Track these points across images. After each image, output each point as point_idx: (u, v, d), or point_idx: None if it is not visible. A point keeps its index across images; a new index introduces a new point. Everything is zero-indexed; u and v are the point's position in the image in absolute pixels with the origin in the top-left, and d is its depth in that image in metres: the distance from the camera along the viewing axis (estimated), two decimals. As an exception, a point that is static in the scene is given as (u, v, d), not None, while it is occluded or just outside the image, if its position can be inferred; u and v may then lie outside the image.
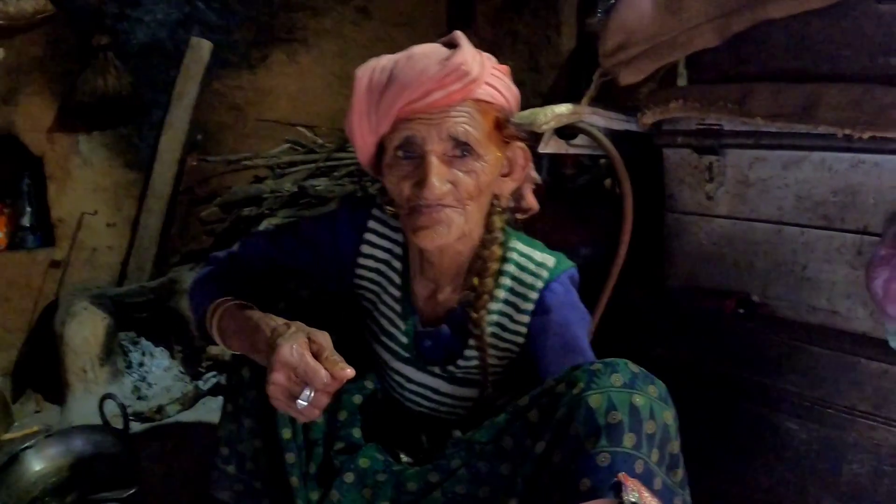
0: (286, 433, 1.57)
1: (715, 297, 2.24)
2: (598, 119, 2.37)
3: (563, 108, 2.31)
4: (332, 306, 1.73)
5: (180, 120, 3.75)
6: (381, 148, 1.54)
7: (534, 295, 1.61)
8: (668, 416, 1.31)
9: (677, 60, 2.35)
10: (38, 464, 2.39)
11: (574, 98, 2.44)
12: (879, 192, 1.94)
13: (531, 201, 1.75)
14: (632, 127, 2.43)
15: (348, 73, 4.23)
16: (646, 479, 1.23)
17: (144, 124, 3.81)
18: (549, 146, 2.38)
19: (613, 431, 1.24)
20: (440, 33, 4.35)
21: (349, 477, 1.58)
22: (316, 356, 1.34)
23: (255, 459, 1.67)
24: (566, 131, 2.38)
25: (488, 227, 1.59)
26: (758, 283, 2.21)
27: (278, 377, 1.31)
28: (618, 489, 1.19)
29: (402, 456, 1.69)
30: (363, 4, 4.27)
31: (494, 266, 1.60)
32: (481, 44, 3.99)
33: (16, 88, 3.53)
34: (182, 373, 3.23)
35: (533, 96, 3.74)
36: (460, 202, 1.46)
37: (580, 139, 2.40)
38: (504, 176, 1.59)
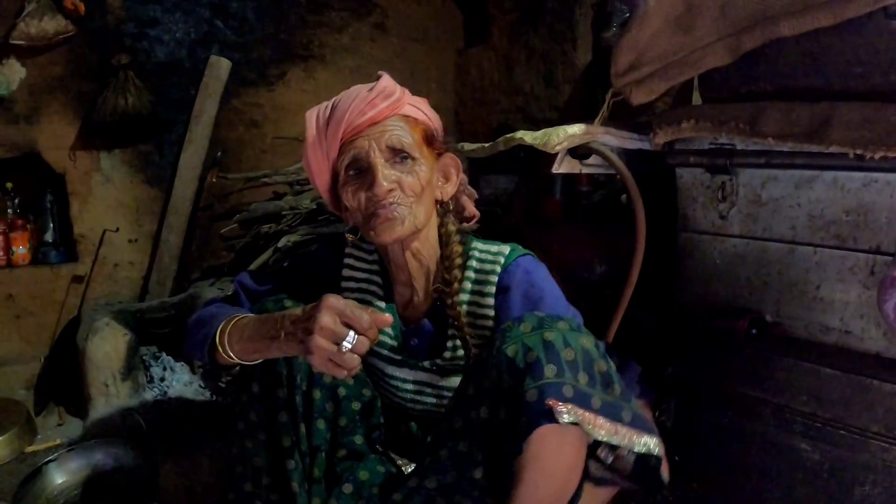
0: (286, 441, 1.69)
1: (728, 316, 2.23)
2: (610, 139, 2.39)
3: (575, 129, 2.33)
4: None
5: (200, 137, 3.81)
6: (335, 180, 1.76)
7: (493, 279, 1.78)
8: (585, 341, 1.45)
9: (692, 78, 2.36)
10: (60, 477, 2.44)
11: (590, 112, 2.45)
12: (892, 212, 1.94)
13: (472, 210, 1.95)
14: (645, 146, 2.45)
15: (366, 89, 4.21)
16: (581, 401, 1.37)
17: (165, 142, 3.87)
18: (563, 166, 2.40)
19: (534, 368, 1.39)
20: (456, 48, 4.40)
21: (347, 488, 1.71)
22: None
23: (269, 473, 1.74)
24: (579, 151, 2.39)
25: (445, 233, 1.81)
26: (771, 302, 2.21)
27: (326, 320, 1.40)
28: (549, 415, 1.32)
29: (404, 467, 1.81)
30: (380, 20, 4.32)
31: (458, 260, 1.78)
32: (497, 58, 4.06)
33: (38, 107, 3.59)
34: (202, 388, 3.25)
35: (549, 110, 3.75)
36: (406, 198, 1.67)
37: (593, 159, 2.41)
38: (442, 184, 1.81)
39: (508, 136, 2.49)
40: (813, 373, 2.02)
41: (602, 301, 2.36)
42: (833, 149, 1.90)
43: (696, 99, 2.49)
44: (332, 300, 1.43)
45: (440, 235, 1.82)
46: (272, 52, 4.08)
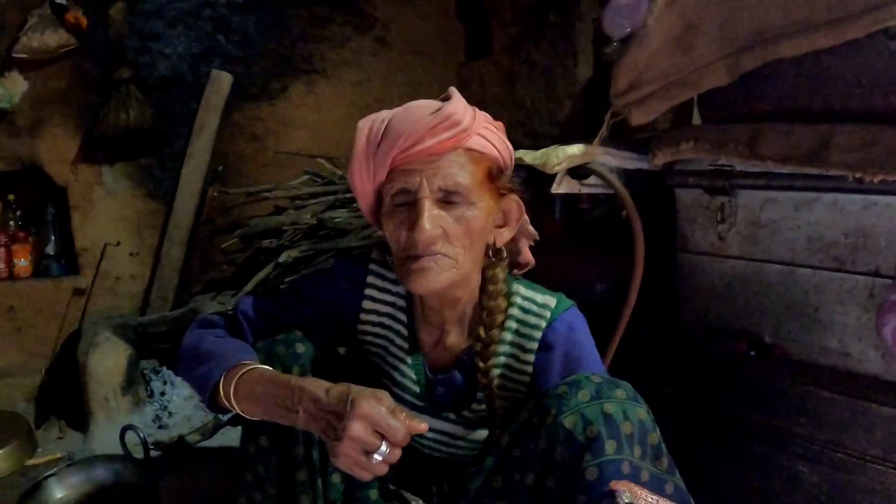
0: (305, 499, 1.59)
1: (727, 337, 2.25)
2: (610, 159, 2.39)
3: (574, 149, 2.33)
4: (341, 365, 1.70)
5: (201, 151, 3.82)
6: (380, 198, 1.58)
7: (537, 335, 1.63)
8: (641, 412, 1.39)
9: (693, 97, 2.36)
10: (60, 491, 2.43)
11: (591, 127, 2.45)
12: (891, 234, 1.95)
13: (527, 256, 1.75)
14: (644, 166, 2.45)
15: (367, 103, 4.24)
16: (634, 476, 1.33)
17: (166, 156, 3.89)
18: (562, 187, 2.40)
19: (594, 444, 1.33)
20: (458, 62, 4.41)
21: None
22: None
23: None
24: (579, 171, 2.40)
25: (492, 279, 1.61)
26: (770, 324, 2.21)
27: (358, 430, 1.28)
28: (612, 496, 1.28)
29: None
30: (381, 35, 4.34)
31: (500, 318, 1.62)
32: (498, 72, 4.07)
33: (40, 120, 3.61)
34: (202, 402, 3.26)
35: (550, 124, 3.76)
36: (450, 247, 1.48)
37: (592, 179, 2.41)
38: (499, 227, 1.61)
39: (508, 154, 2.50)
40: (811, 395, 2.02)
41: (602, 320, 2.36)
42: (832, 172, 1.90)
43: (697, 118, 2.50)
44: (366, 407, 1.30)
45: (484, 279, 1.62)
46: (274, 66, 4.10)
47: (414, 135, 1.44)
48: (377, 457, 1.29)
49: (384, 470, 1.32)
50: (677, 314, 2.49)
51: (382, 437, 1.30)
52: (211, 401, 1.54)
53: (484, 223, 1.52)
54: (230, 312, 1.78)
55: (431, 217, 1.45)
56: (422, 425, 1.34)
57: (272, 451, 1.60)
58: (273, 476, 1.61)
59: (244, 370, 1.49)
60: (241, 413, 1.49)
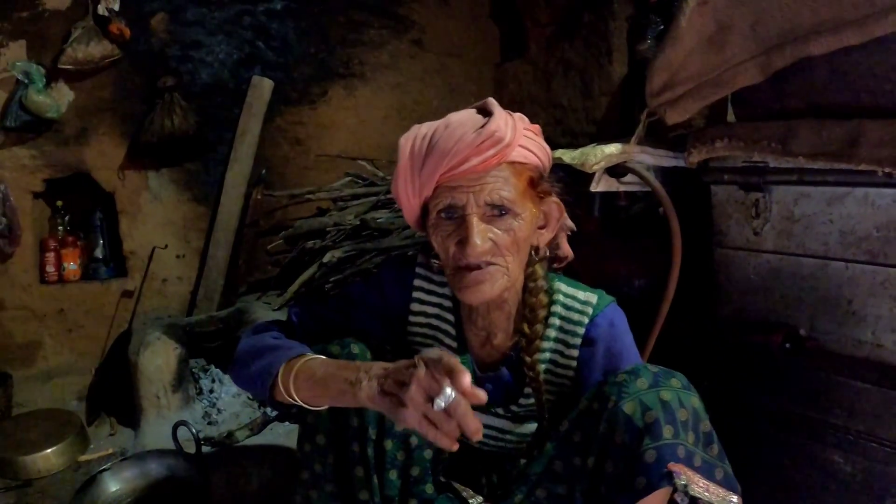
0: (364, 494, 1.62)
1: (762, 330, 2.27)
2: (646, 157, 2.42)
3: (612, 149, 2.37)
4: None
5: (245, 156, 3.89)
6: (425, 209, 1.62)
7: (581, 330, 1.69)
8: (695, 400, 1.46)
9: (726, 96, 2.38)
10: (114, 485, 2.48)
11: (627, 124, 2.47)
12: (922, 228, 1.97)
13: (566, 250, 1.79)
14: (680, 163, 2.48)
15: (406, 105, 4.25)
16: (687, 461, 1.40)
17: (210, 160, 3.96)
18: (601, 185, 2.43)
19: (653, 429, 1.39)
20: (494, 62, 4.41)
21: None
22: None
23: None
24: (617, 170, 2.43)
25: (532, 276, 1.66)
26: (804, 316, 2.23)
27: (424, 374, 1.27)
28: (670, 477, 1.36)
29: (472, 501, 1.77)
30: (418, 37, 4.38)
31: (542, 313, 1.66)
32: (534, 71, 4.10)
33: (87, 129, 3.69)
34: (250, 399, 3.30)
35: (587, 123, 3.77)
36: (501, 257, 1.53)
37: (630, 177, 2.45)
38: (540, 228, 1.65)
39: (546, 153, 2.53)
40: (845, 386, 2.05)
41: (640, 315, 2.39)
42: (862, 167, 1.93)
43: (732, 115, 2.52)
44: (432, 353, 1.31)
45: (524, 277, 1.66)
46: (313, 71, 4.15)
47: (459, 154, 1.47)
48: (441, 403, 1.24)
49: (453, 427, 1.25)
50: (714, 308, 2.51)
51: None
52: (269, 393, 1.57)
53: (529, 230, 1.57)
54: (284, 320, 1.83)
55: (480, 232, 1.50)
56: (482, 394, 1.26)
57: (329, 449, 1.64)
58: (330, 473, 1.65)
59: (305, 359, 1.54)
60: (299, 401, 1.52)
